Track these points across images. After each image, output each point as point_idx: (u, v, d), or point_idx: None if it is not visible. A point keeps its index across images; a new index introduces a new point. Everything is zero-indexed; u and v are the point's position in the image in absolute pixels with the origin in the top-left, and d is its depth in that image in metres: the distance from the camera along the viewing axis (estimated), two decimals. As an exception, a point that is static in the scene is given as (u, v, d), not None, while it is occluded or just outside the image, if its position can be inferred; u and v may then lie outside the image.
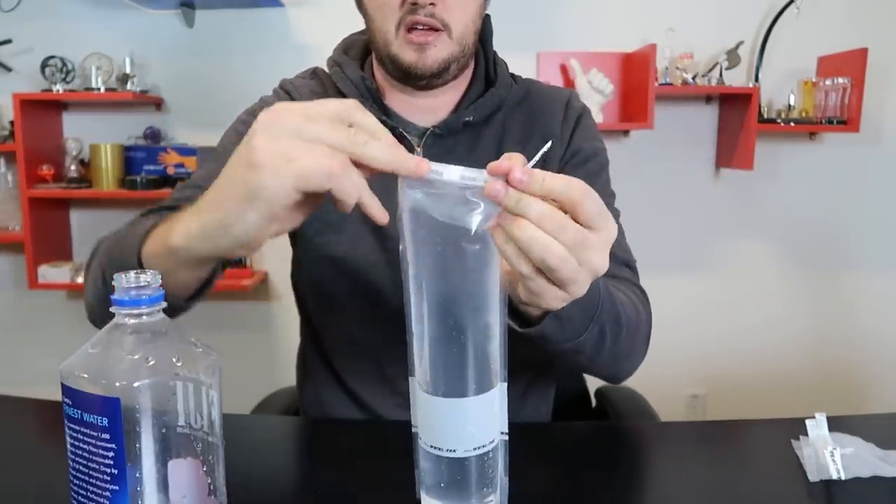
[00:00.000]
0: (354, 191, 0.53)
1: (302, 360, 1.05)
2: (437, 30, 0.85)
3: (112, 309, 0.51)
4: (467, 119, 0.92)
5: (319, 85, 0.98)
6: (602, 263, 0.53)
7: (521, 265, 0.52)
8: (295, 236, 0.99)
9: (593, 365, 0.80)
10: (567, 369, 0.83)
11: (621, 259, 0.91)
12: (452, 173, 0.52)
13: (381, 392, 0.96)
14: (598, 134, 1.02)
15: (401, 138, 0.92)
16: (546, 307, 0.57)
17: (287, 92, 0.98)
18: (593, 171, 0.96)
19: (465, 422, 0.56)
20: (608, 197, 0.97)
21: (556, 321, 0.67)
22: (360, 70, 0.95)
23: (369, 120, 0.54)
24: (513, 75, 1.00)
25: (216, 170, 0.87)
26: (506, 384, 0.58)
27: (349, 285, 0.94)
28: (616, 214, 0.96)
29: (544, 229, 0.49)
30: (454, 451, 0.56)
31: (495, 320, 0.56)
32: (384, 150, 0.52)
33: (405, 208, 0.54)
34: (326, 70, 0.99)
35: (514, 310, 0.68)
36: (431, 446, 0.56)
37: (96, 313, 0.83)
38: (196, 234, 0.60)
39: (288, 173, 0.52)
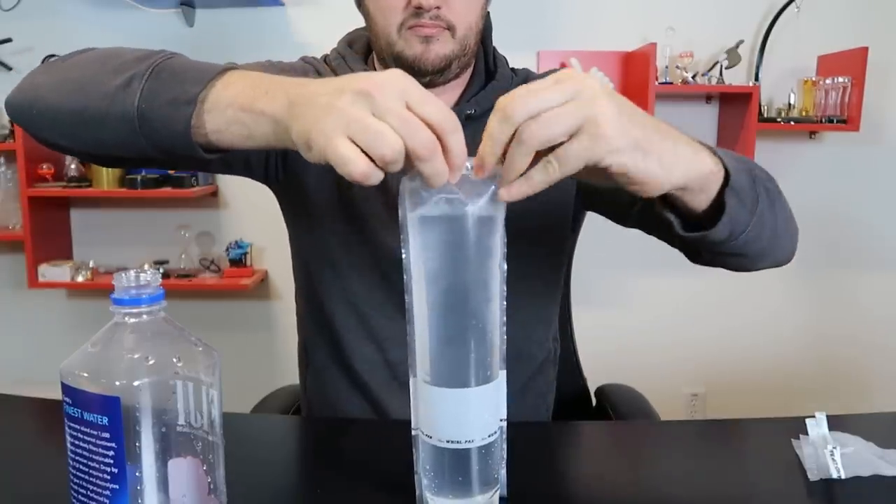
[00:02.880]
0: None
1: (303, 348, 1.05)
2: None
3: (112, 308, 0.51)
4: (469, 112, 0.92)
5: (331, 73, 0.98)
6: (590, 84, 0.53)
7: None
8: (301, 207, 0.98)
9: (775, 238, 0.75)
10: (728, 263, 0.77)
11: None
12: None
13: (384, 377, 0.96)
14: None
15: None
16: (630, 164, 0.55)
17: (311, 64, 0.98)
18: None
19: (477, 410, 0.56)
20: None
21: (735, 196, 0.64)
22: (364, 65, 0.95)
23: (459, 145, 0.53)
24: (512, 69, 1.01)
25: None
26: (505, 371, 0.58)
27: (359, 259, 0.94)
28: None
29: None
30: (472, 440, 0.56)
31: (496, 309, 0.57)
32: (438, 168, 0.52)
33: (407, 201, 0.54)
34: (325, 61, 0.99)
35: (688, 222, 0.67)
36: (447, 441, 0.56)
37: (68, 109, 0.69)
38: (282, 117, 0.57)
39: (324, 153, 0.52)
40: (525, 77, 1.01)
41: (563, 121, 0.51)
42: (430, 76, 0.89)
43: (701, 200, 0.64)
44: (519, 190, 0.54)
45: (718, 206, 0.65)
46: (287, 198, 1.00)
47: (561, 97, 0.52)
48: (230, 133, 0.62)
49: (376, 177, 0.52)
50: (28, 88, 0.74)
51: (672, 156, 0.58)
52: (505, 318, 0.58)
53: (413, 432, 0.60)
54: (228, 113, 0.61)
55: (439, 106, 0.52)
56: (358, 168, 0.51)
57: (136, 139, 0.65)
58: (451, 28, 0.86)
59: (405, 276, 0.57)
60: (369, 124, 0.51)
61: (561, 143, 0.52)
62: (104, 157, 0.75)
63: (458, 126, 0.52)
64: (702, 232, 0.67)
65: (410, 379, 0.59)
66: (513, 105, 0.52)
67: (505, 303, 0.57)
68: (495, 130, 0.52)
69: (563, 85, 0.52)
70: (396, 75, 0.53)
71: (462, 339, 0.56)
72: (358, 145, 0.51)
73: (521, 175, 0.54)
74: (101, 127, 0.67)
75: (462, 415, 0.56)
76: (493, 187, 0.54)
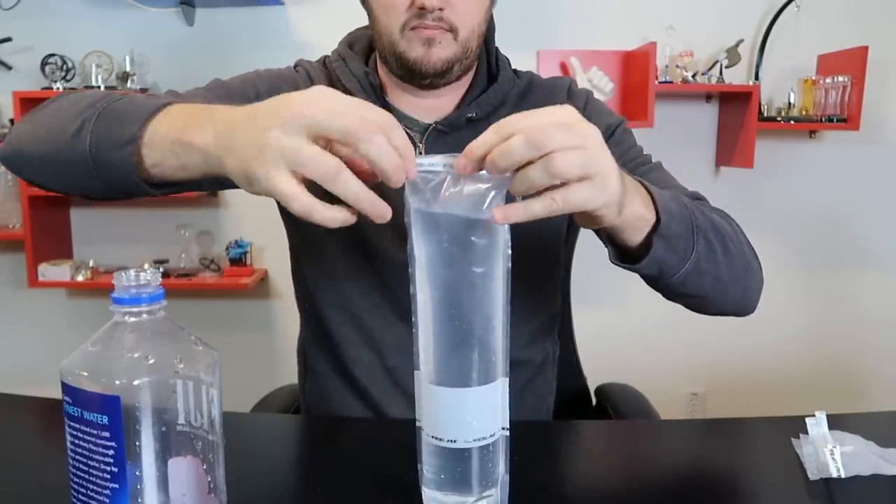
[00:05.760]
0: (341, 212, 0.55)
1: (303, 353, 1.05)
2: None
3: (112, 307, 0.51)
4: (470, 115, 0.92)
5: (329, 75, 0.98)
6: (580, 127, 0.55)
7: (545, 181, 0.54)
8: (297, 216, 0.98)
9: (720, 286, 0.79)
10: (703, 306, 0.83)
11: (688, 195, 0.89)
12: (436, 163, 0.53)
13: (383, 383, 0.96)
14: (609, 109, 1.02)
15: None
16: (605, 208, 0.59)
17: (305, 70, 0.99)
18: (618, 141, 0.96)
19: (465, 412, 0.56)
20: (645, 155, 0.97)
21: (662, 241, 0.70)
22: (365, 65, 0.95)
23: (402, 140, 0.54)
24: (515, 70, 1.01)
25: (204, 95, 0.89)
26: (507, 379, 0.58)
27: (354, 266, 0.94)
28: (658, 165, 0.96)
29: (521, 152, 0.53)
30: (454, 441, 0.56)
31: (498, 313, 0.57)
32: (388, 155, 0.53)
33: (412, 205, 0.55)
34: (324, 63, 1.00)
35: (622, 254, 0.73)
36: (433, 437, 0.57)
37: (27, 155, 0.76)
38: (212, 149, 0.59)
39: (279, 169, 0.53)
40: (529, 81, 1.00)
41: (584, 164, 0.54)
42: (430, 78, 0.89)
43: (629, 238, 0.69)
44: (515, 214, 0.55)
45: (649, 246, 0.70)
46: (284, 208, 1.00)
47: (576, 140, 0.54)
48: (166, 166, 0.64)
49: (319, 212, 0.54)
50: (13, 140, 0.79)
51: (625, 206, 0.64)
52: (509, 322, 0.58)
53: (417, 424, 0.60)
54: (164, 146, 0.63)
55: (366, 105, 0.54)
56: (300, 203, 0.53)
57: (95, 181, 0.69)
58: (453, 30, 0.86)
59: (409, 271, 0.57)
60: (302, 149, 0.52)
61: (562, 184, 0.55)
62: (90, 196, 0.78)
63: (392, 121, 0.54)
64: (629, 265, 0.73)
65: (414, 373, 0.59)
66: (545, 135, 0.53)
67: (510, 306, 0.57)
68: (520, 151, 0.53)
69: (575, 128, 0.54)
70: (317, 88, 0.55)
71: (462, 340, 0.56)
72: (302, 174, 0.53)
73: (519, 200, 0.56)
74: (70, 171, 0.71)
75: (457, 415, 0.56)
76: (495, 191, 0.55)
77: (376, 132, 0.52)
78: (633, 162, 0.94)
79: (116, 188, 0.69)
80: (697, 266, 0.75)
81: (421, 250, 0.56)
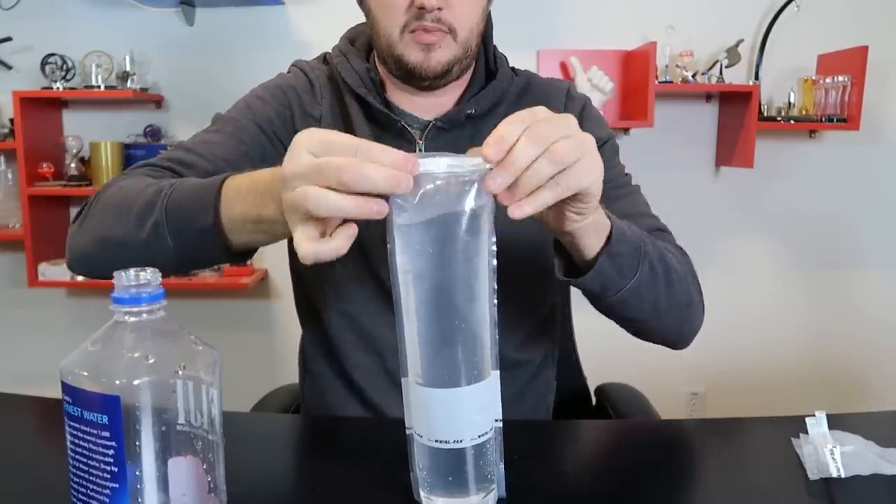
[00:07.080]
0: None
1: (303, 355, 1.05)
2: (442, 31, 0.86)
3: (112, 307, 0.51)
4: (469, 112, 0.92)
5: (330, 71, 0.99)
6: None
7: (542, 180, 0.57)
8: None
9: (658, 314, 0.82)
10: (634, 328, 0.86)
11: (652, 227, 0.92)
12: (440, 164, 0.53)
13: (383, 385, 0.96)
14: (604, 120, 1.03)
15: (403, 131, 0.92)
16: (582, 213, 0.63)
17: (303, 71, 1.00)
18: (607, 157, 0.96)
19: (463, 410, 0.56)
20: (625, 177, 0.99)
21: (608, 259, 0.72)
22: (366, 61, 0.95)
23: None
24: (513, 68, 1.01)
25: (214, 139, 0.92)
26: (498, 371, 0.58)
27: (354, 269, 0.94)
28: (636, 189, 0.98)
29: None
30: (461, 441, 0.56)
31: (485, 308, 0.57)
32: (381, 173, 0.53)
33: (393, 204, 0.54)
34: (325, 59, 1.00)
35: (570, 268, 0.75)
36: (437, 441, 0.56)
37: (110, 259, 0.79)
38: (281, 218, 0.63)
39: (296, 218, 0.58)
40: (527, 80, 1.01)
41: (578, 148, 0.58)
42: (430, 80, 0.89)
43: (589, 244, 0.71)
44: (529, 207, 0.57)
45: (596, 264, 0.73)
46: None
47: (566, 129, 0.58)
48: (256, 241, 0.71)
49: (327, 250, 0.58)
50: (76, 248, 0.86)
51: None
52: (496, 317, 0.58)
53: (407, 431, 0.60)
54: (247, 227, 0.69)
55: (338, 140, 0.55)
56: (304, 251, 0.58)
57: (180, 268, 0.77)
58: (452, 31, 0.86)
59: (391, 276, 0.57)
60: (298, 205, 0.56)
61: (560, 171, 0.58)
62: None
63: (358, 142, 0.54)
64: (573, 279, 0.75)
65: (402, 379, 0.59)
66: (545, 130, 0.56)
67: (496, 301, 0.57)
68: (529, 152, 0.55)
69: (562, 120, 0.59)
70: (301, 138, 0.56)
71: (450, 339, 0.56)
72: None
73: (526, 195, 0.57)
74: (152, 265, 0.76)
75: (452, 415, 0.56)
76: (475, 186, 0.54)
77: (356, 174, 0.53)
78: (612, 182, 0.94)
79: (207, 263, 0.79)
80: (638, 290, 0.77)
81: (404, 253, 0.55)
